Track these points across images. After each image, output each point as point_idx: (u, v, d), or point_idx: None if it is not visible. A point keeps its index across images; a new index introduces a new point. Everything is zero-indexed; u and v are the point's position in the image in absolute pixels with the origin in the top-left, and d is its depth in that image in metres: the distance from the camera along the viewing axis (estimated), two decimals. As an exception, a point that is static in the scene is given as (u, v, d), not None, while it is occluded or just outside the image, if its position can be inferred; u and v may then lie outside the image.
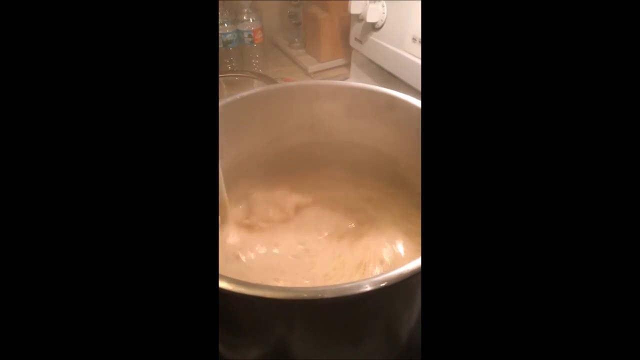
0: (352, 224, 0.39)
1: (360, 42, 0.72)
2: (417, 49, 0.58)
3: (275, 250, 0.37)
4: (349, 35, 0.75)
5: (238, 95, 0.37)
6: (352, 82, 0.38)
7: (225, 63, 0.80)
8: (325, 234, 0.39)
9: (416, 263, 0.20)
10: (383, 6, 0.63)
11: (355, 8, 0.67)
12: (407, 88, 0.62)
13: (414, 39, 0.59)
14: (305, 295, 0.18)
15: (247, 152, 0.39)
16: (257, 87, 0.38)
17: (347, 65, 0.83)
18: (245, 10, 0.78)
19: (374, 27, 0.66)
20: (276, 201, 0.40)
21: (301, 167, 0.42)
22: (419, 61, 0.58)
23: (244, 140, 0.38)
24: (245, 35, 0.78)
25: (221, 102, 0.34)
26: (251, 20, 0.77)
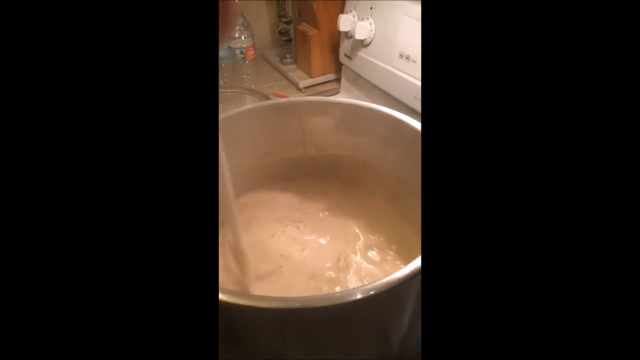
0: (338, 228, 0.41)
1: (350, 58, 0.74)
2: (404, 64, 0.60)
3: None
4: (339, 52, 0.77)
5: (232, 112, 0.38)
6: (340, 98, 0.39)
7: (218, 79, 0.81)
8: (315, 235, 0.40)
9: (403, 272, 0.21)
10: (371, 24, 0.65)
11: (344, 26, 0.69)
12: (394, 102, 0.64)
13: (401, 55, 0.61)
14: (297, 305, 0.19)
15: (241, 165, 0.40)
16: (250, 104, 0.39)
17: (338, 80, 0.85)
18: (238, 27, 0.79)
19: (362, 44, 0.68)
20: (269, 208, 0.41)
21: (293, 178, 0.43)
22: (405, 76, 0.60)
23: (238, 154, 0.39)
24: (238, 52, 0.79)
25: (215, 118, 0.35)
26: (243, 37, 0.79)
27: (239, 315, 0.21)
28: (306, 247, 0.39)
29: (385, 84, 0.66)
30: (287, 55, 0.92)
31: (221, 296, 0.20)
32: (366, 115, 0.37)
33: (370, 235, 0.40)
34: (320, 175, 0.43)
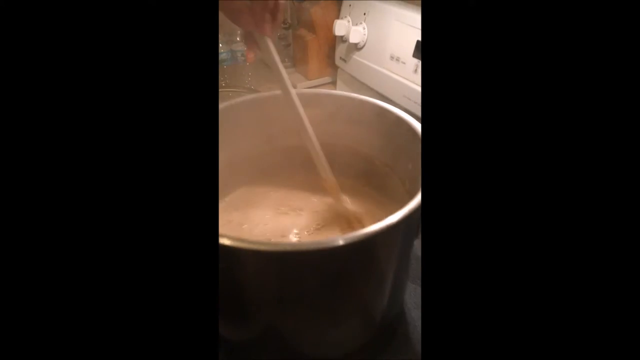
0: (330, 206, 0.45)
1: (345, 61, 0.78)
2: (395, 66, 0.65)
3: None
4: (335, 55, 0.81)
5: (233, 102, 0.42)
6: (332, 90, 0.43)
7: (220, 80, 0.86)
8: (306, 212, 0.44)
9: (379, 225, 0.24)
10: (364, 28, 0.70)
11: (339, 30, 0.73)
12: (386, 101, 0.68)
13: (392, 57, 0.65)
14: (288, 248, 0.22)
15: (242, 153, 0.44)
16: (249, 95, 0.43)
17: (334, 83, 0.89)
18: (239, 32, 0.84)
19: (356, 47, 0.73)
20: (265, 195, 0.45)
21: (290, 165, 0.47)
22: (396, 76, 0.64)
23: (239, 142, 0.43)
24: (239, 54, 0.84)
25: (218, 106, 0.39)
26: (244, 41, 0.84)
27: (242, 258, 0.25)
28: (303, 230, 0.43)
29: (377, 84, 0.70)
30: (286, 59, 0.96)
31: (227, 241, 0.23)
32: (355, 105, 0.41)
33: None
34: (311, 162, 0.46)
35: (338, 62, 0.81)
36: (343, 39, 0.75)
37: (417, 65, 0.60)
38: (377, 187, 0.45)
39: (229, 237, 0.23)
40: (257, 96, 0.42)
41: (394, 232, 0.26)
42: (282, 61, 0.97)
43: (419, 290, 0.44)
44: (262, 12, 0.33)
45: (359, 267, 0.27)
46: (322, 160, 0.40)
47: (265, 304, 0.29)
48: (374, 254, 0.27)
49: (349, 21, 0.73)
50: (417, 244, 0.38)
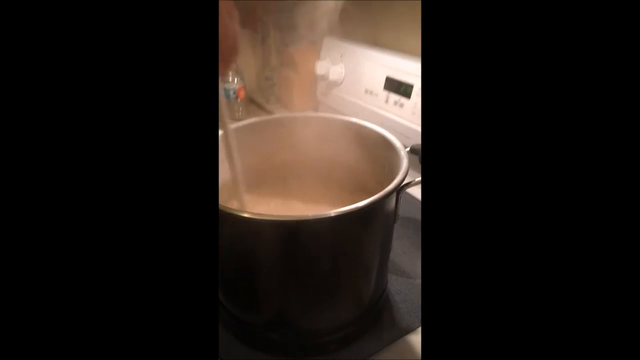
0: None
1: (326, 95, 0.89)
2: (369, 98, 0.75)
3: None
4: (316, 91, 0.92)
5: (234, 125, 0.50)
6: (321, 114, 0.52)
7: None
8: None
9: (363, 202, 0.32)
10: (342, 67, 0.81)
11: (320, 70, 0.85)
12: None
13: (366, 91, 0.76)
14: (286, 218, 0.30)
15: (244, 168, 0.52)
16: (250, 119, 0.52)
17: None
18: (230, 72, 0.94)
19: (335, 84, 0.84)
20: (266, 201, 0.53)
21: (286, 178, 0.55)
22: (370, 107, 0.75)
23: (242, 159, 0.51)
24: (231, 92, 0.94)
25: (221, 131, 0.47)
26: (235, 80, 0.94)
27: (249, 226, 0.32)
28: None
29: (354, 114, 0.80)
30: (272, 97, 1.07)
31: (247, 215, 0.31)
32: (337, 125, 0.50)
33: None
34: (307, 172, 0.54)
35: (320, 96, 0.92)
36: (323, 77, 0.87)
37: (387, 96, 0.71)
38: (359, 191, 0.53)
39: (248, 212, 0.31)
40: (255, 120, 0.51)
41: (367, 213, 0.34)
42: (268, 99, 1.09)
43: (400, 279, 0.51)
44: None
45: (346, 237, 0.35)
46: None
47: (273, 273, 0.36)
48: (354, 228, 0.35)
49: (328, 62, 0.85)
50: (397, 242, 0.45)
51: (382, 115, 0.72)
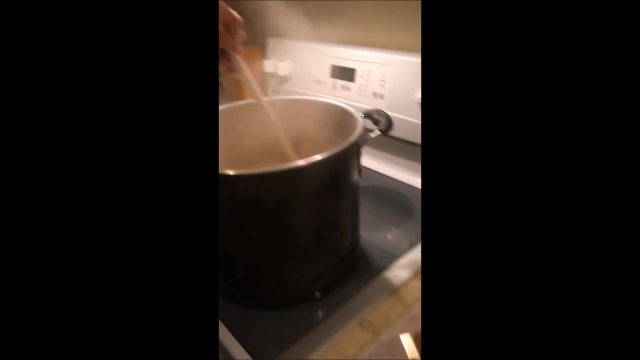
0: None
1: (276, 92, 0.95)
2: (318, 87, 0.83)
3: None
4: (267, 89, 0.98)
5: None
6: (283, 96, 0.59)
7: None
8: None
9: (329, 152, 0.39)
10: (289, 63, 0.88)
11: (268, 68, 0.91)
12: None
13: (315, 81, 0.83)
14: (271, 170, 0.36)
15: (222, 151, 0.57)
16: (224, 105, 0.56)
17: (269, 113, 1.05)
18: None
19: (285, 79, 0.90)
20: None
21: (254, 162, 0.60)
22: (320, 94, 0.82)
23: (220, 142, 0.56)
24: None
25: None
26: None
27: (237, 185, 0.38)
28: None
29: (306, 105, 0.88)
30: (223, 102, 1.11)
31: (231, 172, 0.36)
32: (300, 105, 0.56)
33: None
34: (272, 157, 0.60)
35: (270, 94, 0.98)
36: (273, 75, 0.93)
37: (334, 83, 0.79)
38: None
39: (230, 170, 0.36)
40: (229, 106, 0.56)
41: (335, 162, 0.40)
42: (220, 104, 1.12)
43: (369, 233, 0.58)
44: (233, 34, 0.44)
45: (318, 187, 0.41)
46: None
47: (254, 228, 0.42)
48: (324, 177, 0.41)
49: (275, 60, 0.91)
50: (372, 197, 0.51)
51: (332, 99, 0.79)
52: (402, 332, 0.41)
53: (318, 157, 0.38)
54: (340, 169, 0.43)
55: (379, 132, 0.48)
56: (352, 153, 0.43)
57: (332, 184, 0.42)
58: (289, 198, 0.40)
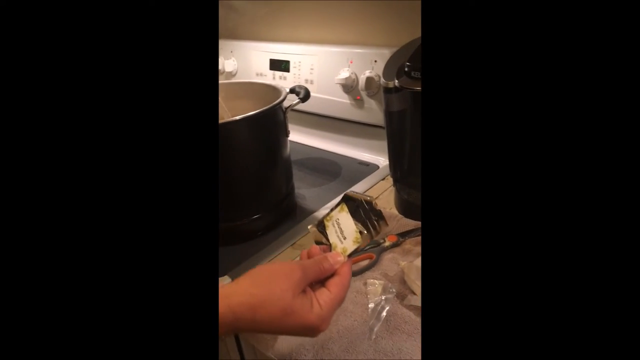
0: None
1: (225, 87, 1.07)
2: (260, 79, 0.96)
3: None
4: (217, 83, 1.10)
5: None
6: (226, 80, 0.71)
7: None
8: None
9: (259, 110, 0.52)
10: (234, 60, 1.01)
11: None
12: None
13: (257, 74, 0.96)
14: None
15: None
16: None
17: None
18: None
19: (231, 74, 1.03)
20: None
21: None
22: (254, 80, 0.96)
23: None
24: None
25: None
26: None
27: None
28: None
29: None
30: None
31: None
32: (243, 87, 0.69)
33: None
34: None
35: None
36: (221, 71, 1.05)
37: (273, 74, 0.92)
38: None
39: None
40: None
41: (259, 119, 0.54)
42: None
43: (303, 190, 0.72)
44: None
45: (251, 138, 0.54)
46: None
47: None
48: (255, 130, 0.54)
49: (222, 58, 1.03)
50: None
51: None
52: (324, 247, 0.55)
53: (251, 113, 0.51)
54: (270, 125, 0.56)
55: (299, 100, 0.61)
56: (278, 113, 0.56)
57: (264, 137, 0.56)
58: (229, 148, 0.53)
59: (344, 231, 0.36)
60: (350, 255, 0.35)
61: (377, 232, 0.36)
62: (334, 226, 0.37)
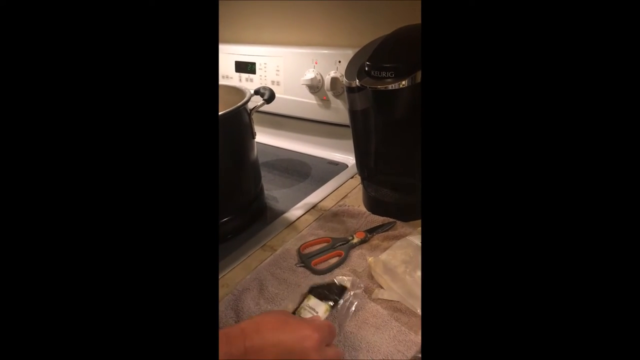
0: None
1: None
2: (227, 81, 0.95)
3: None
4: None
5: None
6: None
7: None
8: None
9: (223, 112, 0.52)
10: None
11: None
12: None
13: (223, 77, 0.96)
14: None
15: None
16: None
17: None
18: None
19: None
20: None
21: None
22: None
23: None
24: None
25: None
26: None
27: None
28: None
29: (219, 99, 1.00)
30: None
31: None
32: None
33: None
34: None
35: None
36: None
37: (239, 76, 0.92)
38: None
39: None
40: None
41: (223, 122, 0.53)
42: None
43: (275, 191, 0.72)
44: None
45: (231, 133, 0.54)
46: None
47: None
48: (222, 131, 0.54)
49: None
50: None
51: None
52: (293, 247, 0.55)
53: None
54: (235, 127, 0.56)
55: (264, 101, 0.61)
56: (243, 115, 0.56)
57: (229, 139, 0.55)
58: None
59: (316, 309, 0.44)
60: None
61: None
62: (306, 309, 0.44)
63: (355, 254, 0.53)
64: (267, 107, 0.63)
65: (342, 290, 0.45)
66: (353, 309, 0.43)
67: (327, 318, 0.42)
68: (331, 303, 0.44)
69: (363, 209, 0.63)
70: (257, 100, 0.62)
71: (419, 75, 0.47)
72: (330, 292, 0.45)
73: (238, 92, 0.64)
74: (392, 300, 0.43)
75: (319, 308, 0.43)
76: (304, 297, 0.45)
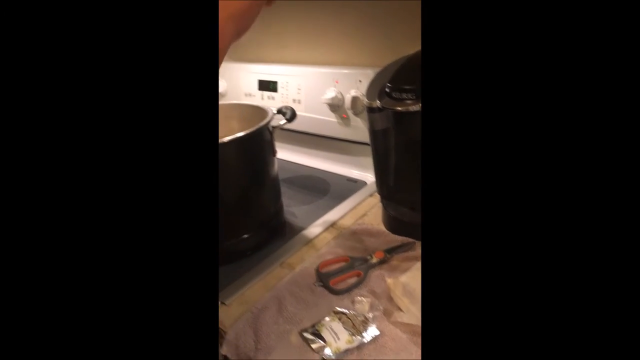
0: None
1: (215, 107, 1.09)
2: (249, 99, 0.98)
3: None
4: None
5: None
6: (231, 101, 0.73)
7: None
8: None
9: (246, 131, 0.53)
10: (223, 81, 1.03)
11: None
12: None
13: (246, 94, 0.98)
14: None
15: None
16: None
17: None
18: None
19: (221, 95, 1.04)
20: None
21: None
22: (241, 102, 0.98)
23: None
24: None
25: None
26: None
27: None
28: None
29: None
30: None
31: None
32: (231, 108, 0.71)
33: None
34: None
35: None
36: (210, 92, 1.06)
37: (262, 94, 0.94)
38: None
39: None
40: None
41: (245, 140, 0.55)
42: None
43: (292, 207, 0.72)
44: None
45: (237, 159, 0.55)
46: None
47: None
48: (242, 151, 0.55)
49: (211, 80, 1.05)
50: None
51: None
52: (312, 266, 0.55)
53: (237, 135, 0.52)
54: (257, 145, 0.57)
55: (286, 121, 0.63)
56: (264, 133, 0.57)
57: (251, 157, 0.57)
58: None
59: (338, 334, 0.43)
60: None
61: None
62: (327, 330, 0.44)
63: (375, 274, 0.52)
64: (289, 125, 0.64)
65: (366, 324, 0.44)
66: (371, 331, 0.42)
67: (346, 350, 0.41)
68: (356, 337, 0.42)
69: (382, 227, 0.62)
70: (279, 119, 0.63)
71: (439, 97, 0.47)
72: (356, 323, 0.44)
73: (260, 111, 0.65)
74: (411, 324, 0.43)
75: (341, 334, 0.43)
76: (327, 314, 0.45)
